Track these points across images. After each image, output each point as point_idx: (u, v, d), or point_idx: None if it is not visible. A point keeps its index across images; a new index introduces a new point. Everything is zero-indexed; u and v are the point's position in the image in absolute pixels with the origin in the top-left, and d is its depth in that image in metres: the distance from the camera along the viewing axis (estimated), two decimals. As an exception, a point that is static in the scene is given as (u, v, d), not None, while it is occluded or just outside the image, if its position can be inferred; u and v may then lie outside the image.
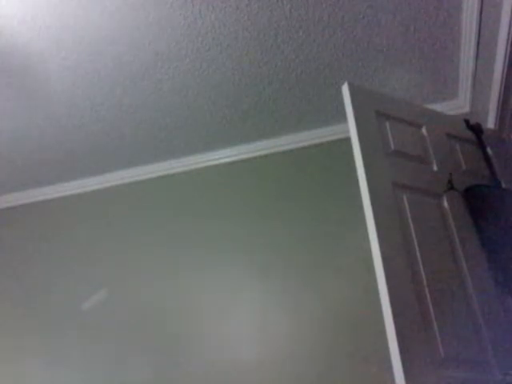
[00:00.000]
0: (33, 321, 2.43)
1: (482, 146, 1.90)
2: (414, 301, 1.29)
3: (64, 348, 2.30)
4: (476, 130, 1.95)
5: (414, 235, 1.44)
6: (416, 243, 1.42)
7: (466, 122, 1.98)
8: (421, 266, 1.38)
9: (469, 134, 1.93)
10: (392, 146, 1.64)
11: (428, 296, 1.33)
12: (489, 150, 1.90)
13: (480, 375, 1.27)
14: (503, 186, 1.78)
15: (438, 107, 2.28)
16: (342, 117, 2.40)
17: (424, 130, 1.79)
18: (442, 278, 1.40)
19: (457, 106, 2.34)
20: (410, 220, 1.47)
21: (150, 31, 2.00)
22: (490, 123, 2.18)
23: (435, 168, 1.69)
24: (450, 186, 1.63)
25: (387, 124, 1.69)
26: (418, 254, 1.40)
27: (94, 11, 1.91)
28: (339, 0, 1.92)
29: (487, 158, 1.85)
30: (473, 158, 1.83)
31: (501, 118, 2.06)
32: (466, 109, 2.30)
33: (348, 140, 1.63)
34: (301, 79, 2.25)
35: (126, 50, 2.07)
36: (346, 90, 1.67)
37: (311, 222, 2.31)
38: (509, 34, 1.75)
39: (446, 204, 1.60)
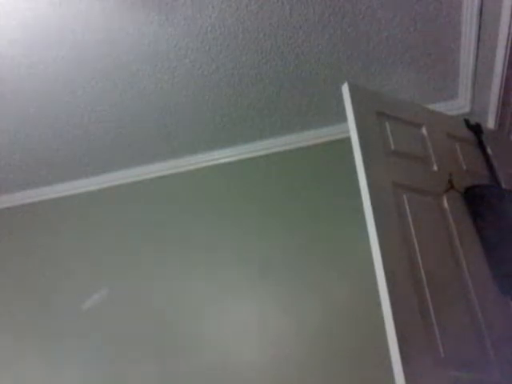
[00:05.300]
0: (33, 321, 2.43)
1: (481, 146, 1.90)
2: (414, 301, 1.29)
3: (64, 348, 2.30)
4: (476, 129, 1.95)
5: (414, 235, 1.44)
6: (416, 243, 1.42)
7: (466, 121, 1.98)
8: (421, 266, 1.38)
9: (469, 134, 1.93)
10: (392, 146, 1.64)
11: (428, 296, 1.33)
12: (489, 150, 1.90)
13: (480, 375, 1.27)
14: (503, 186, 1.78)
15: (438, 107, 2.28)
16: (342, 117, 2.40)
17: (424, 130, 1.79)
18: (442, 277, 1.40)
19: (457, 106, 2.34)
20: (410, 220, 1.47)
21: (150, 31, 2.00)
22: (490, 123, 2.18)
23: (435, 168, 1.69)
24: (450, 186, 1.63)
25: (387, 124, 1.69)
26: (418, 254, 1.40)
27: (94, 11, 1.91)
28: (339, 0, 1.92)
29: (487, 158, 1.85)
30: (473, 158, 1.83)
31: (501, 117, 2.06)
32: (466, 109, 2.30)
33: (348, 140, 1.63)
34: (301, 79, 2.25)
35: (126, 50, 2.07)
36: (345, 90, 1.67)
37: (311, 221, 2.31)
38: (509, 34, 1.75)
39: (445, 204, 1.60)
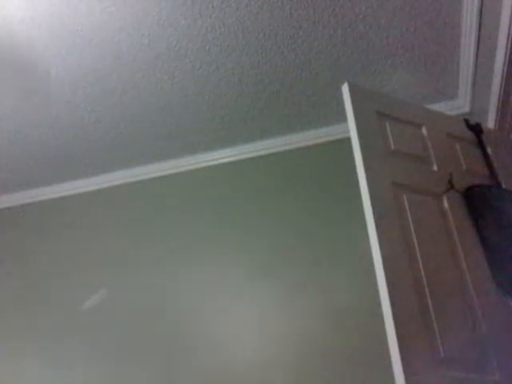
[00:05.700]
0: (32, 321, 2.43)
1: (481, 146, 1.90)
2: (414, 301, 1.29)
3: (64, 348, 2.30)
4: (476, 130, 1.95)
5: (414, 235, 1.44)
6: (416, 243, 1.42)
7: (466, 121, 1.98)
8: (421, 266, 1.38)
9: (469, 134, 1.93)
10: (392, 146, 1.64)
11: (428, 296, 1.33)
12: (489, 150, 1.90)
13: (480, 375, 1.27)
14: (503, 186, 1.78)
15: (438, 107, 2.28)
16: (342, 117, 2.40)
17: (424, 130, 1.79)
18: (442, 277, 1.40)
19: (457, 106, 2.34)
20: (410, 220, 1.47)
21: (150, 31, 2.00)
22: (490, 123, 2.18)
23: (435, 168, 1.69)
24: (450, 186, 1.63)
25: (387, 124, 1.69)
26: (418, 254, 1.40)
27: (95, 11, 1.91)
28: (339, 0, 1.92)
29: (487, 158, 1.85)
30: (473, 158, 1.83)
31: (501, 117, 2.07)
32: (466, 109, 2.30)
33: (348, 140, 1.63)
34: (301, 79, 2.25)
35: (126, 49, 2.07)
36: (345, 89, 1.67)
37: (311, 222, 2.31)
38: (509, 34, 1.75)
39: (445, 204, 1.60)
